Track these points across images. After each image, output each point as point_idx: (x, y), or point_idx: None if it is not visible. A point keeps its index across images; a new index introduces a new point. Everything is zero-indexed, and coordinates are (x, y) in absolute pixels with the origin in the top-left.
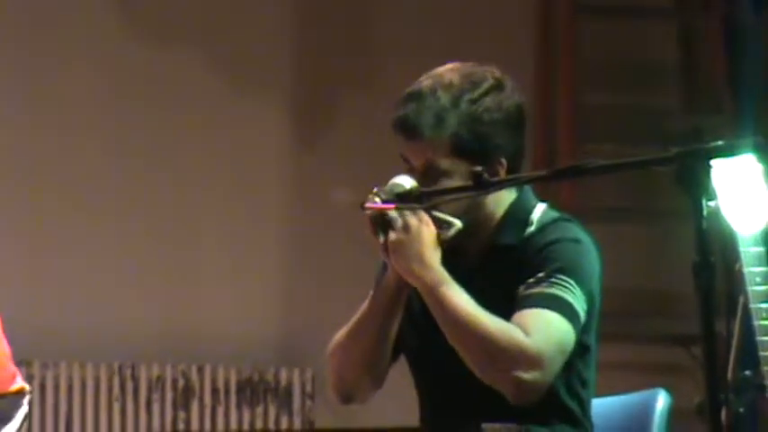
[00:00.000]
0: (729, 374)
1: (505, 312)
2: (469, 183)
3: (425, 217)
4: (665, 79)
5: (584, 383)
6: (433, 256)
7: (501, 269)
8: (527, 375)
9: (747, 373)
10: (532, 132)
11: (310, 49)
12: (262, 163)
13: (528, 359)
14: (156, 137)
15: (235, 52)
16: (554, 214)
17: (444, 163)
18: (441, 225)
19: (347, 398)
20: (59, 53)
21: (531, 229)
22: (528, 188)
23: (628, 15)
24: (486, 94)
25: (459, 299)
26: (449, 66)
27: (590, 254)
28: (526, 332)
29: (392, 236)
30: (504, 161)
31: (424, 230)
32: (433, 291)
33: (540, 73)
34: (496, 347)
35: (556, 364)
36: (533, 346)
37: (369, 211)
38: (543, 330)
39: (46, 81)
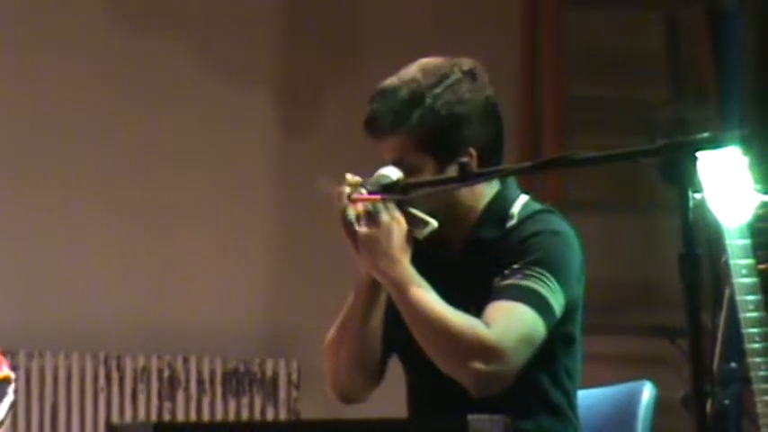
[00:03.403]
0: (715, 367)
1: (485, 307)
2: (441, 171)
3: (397, 214)
4: (651, 70)
5: (569, 375)
6: (401, 252)
7: (482, 263)
8: (486, 367)
9: (733, 365)
10: (518, 123)
11: (298, 41)
12: (248, 154)
13: (487, 350)
14: (143, 128)
15: (221, 42)
16: (535, 206)
17: (412, 158)
18: (417, 223)
19: (345, 397)
20: (47, 46)
21: (512, 222)
22: (511, 180)
23: (613, 6)
24: (448, 88)
25: (422, 295)
26: (418, 62)
27: (569, 245)
28: (489, 324)
29: (362, 231)
30: (473, 152)
31: (395, 227)
32: (398, 286)
33: (525, 64)
34: (456, 339)
35: (519, 356)
36: (493, 337)
37: (342, 207)
38: (506, 322)
39: (33, 74)
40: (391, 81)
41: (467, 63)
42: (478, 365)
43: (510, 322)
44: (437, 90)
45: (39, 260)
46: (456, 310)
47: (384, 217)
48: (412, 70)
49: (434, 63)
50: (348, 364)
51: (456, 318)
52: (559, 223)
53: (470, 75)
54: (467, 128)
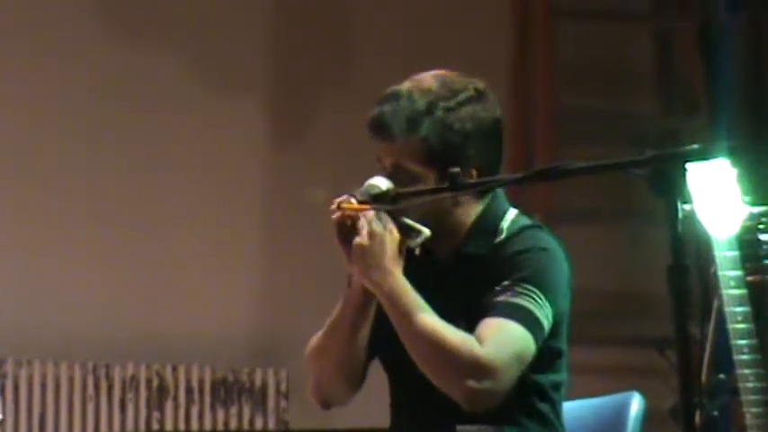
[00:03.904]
0: (703, 378)
1: (473, 321)
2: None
3: (390, 224)
4: (641, 82)
5: (555, 387)
6: (394, 263)
7: (470, 278)
8: (479, 384)
9: (721, 376)
10: (510, 135)
11: (289, 49)
12: (239, 163)
13: (480, 368)
14: (136, 137)
15: (213, 52)
16: (523, 222)
17: (413, 167)
18: (409, 233)
19: (326, 402)
20: (40, 55)
21: (500, 237)
22: (500, 195)
23: (604, 19)
24: (462, 104)
25: (416, 307)
26: (433, 72)
27: (557, 261)
28: (482, 341)
29: (356, 241)
30: (474, 172)
31: (388, 238)
32: (391, 298)
33: (517, 76)
34: (449, 356)
35: (510, 374)
36: (486, 355)
37: (336, 217)
38: (499, 339)
39: (25, 82)
40: (405, 86)
41: (480, 82)
42: (471, 383)
43: (502, 340)
44: (451, 103)
45: (27, 269)
46: (449, 325)
47: (377, 228)
48: (426, 79)
49: (450, 76)
50: (332, 372)
51: (450, 333)
52: (547, 240)
53: (483, 94)
54: (473, 147)
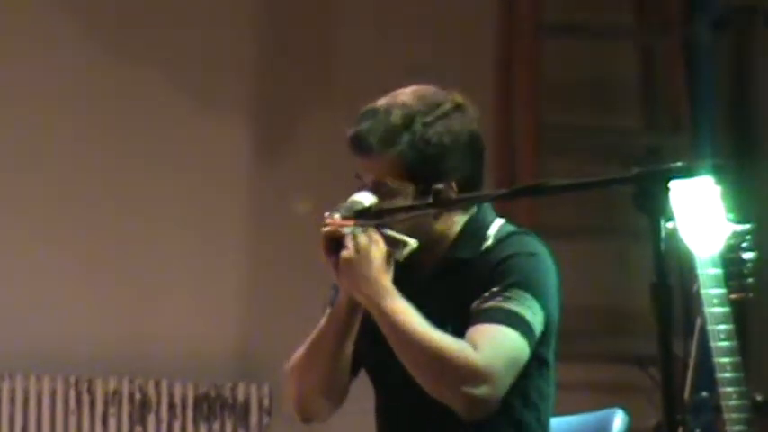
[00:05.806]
0: (686, 395)
1: (461, 327)
2: (419, 200)
3: (376, 236)
4: (625, 99)
5: (542, 397)
6: (382, 274)
7: (457, 283)
8: (476, 391)
9: (704, 394)
10: (493, 150)
11: (272, 64)
12: (222, 178)
13: (477, 374)
14: (119, 152)
15: (196, 68)
16: (511, 228)
17: (392, 182)
18: (395, 244)
19: (307, 417)
20: (24, 69)
21: (488, 243)
22: (487, 205)
23: (588, 35)
24: (440, 117)
25: (408, 316)
26: (410, 87)
27: (546, 267)
28: (476, 347)
29: (342, 255)
30: (454, 185)
31: (374, 250)
32: (381, 308)
33: (500, 91)
34: (445, 363)
35: (506, 379)
36: (482, 361)
37: (324, 231)
38: (494, 345)
39: (8, 94)
40: (384, 102)
41: (458, 96)
42: (468, 390)
43: (497, 346)
44: (429, 118)
45: (9, 283)
46: (442, 333)
47: (362, 240)
48: (405, 94)
49: (427, 90)
50: (316, 387)
51: (444, 341)
52: (535, 245)
53: (461, 107)
54: (451, 159)
